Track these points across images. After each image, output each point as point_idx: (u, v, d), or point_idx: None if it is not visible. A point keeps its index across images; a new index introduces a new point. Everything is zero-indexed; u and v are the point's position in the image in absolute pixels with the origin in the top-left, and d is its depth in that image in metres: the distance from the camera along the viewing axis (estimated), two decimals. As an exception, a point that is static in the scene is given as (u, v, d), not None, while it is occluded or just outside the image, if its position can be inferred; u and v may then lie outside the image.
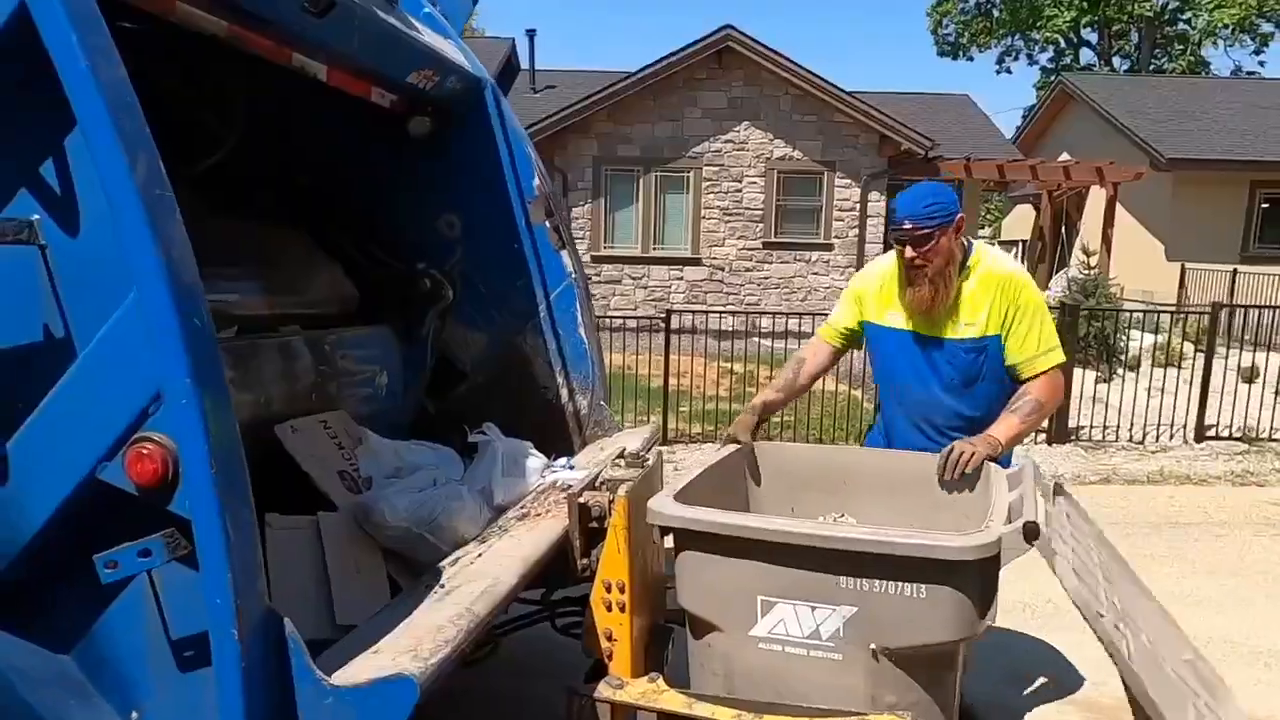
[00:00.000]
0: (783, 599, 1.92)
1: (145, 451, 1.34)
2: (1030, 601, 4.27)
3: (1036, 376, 2.49)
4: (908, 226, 2.44)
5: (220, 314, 2.33)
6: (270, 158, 3.05)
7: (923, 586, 1.80)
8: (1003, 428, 2.44)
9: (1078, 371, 7.96)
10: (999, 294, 2.49)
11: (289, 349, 2.57)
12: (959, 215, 2.47)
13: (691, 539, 2.02)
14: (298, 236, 3.04)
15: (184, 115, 2.76)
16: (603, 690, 1.99)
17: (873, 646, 1.85)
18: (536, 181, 3.10)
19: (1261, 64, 32.91)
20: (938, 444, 2.52)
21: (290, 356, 2.55)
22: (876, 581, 1.83)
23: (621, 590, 2.08)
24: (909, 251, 2.46)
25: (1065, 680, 3.47)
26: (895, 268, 2.60)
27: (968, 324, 2.52)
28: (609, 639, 2.10)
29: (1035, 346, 2.48)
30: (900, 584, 1.81)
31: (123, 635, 1.51)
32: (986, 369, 2.54)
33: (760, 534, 1.93)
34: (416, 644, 1.50)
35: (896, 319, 2.63)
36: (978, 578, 1.80)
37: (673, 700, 1.93)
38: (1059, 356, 2.51)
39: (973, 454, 2.33)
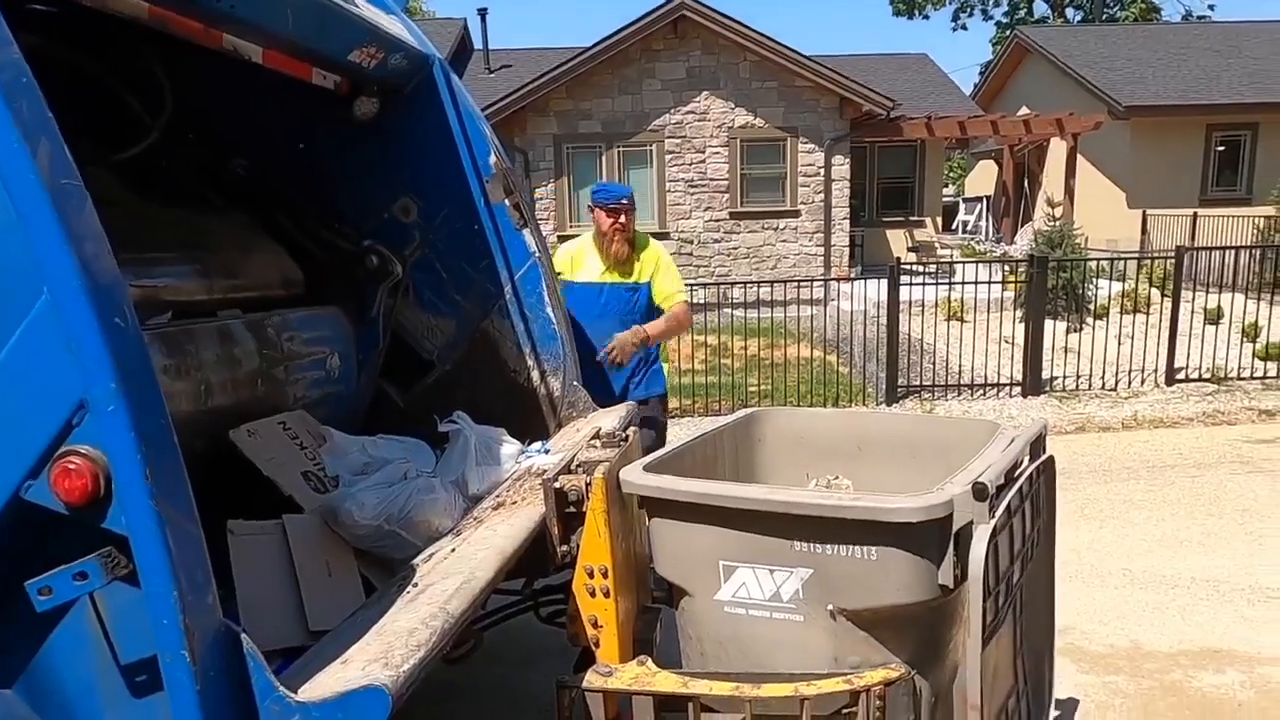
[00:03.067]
0: (742, 563, 1.92)
1: (72, 466, 1.23)
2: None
3: (673, 307, 3.77)
4: (625, 202, 3.68)
5: (152, 299, 2.22)
6: (210, 143, 2.92)
7: (873, 549, 1.78)
8: (650, 327, 3.66)
9: (1048, 323, 8.00)
10: (649, 255, 3.74)
11: (229, 333, 2.44)
12: None
13: (657, 506, 2.03)
14: (239, 220, 2.92)
15: (115, 102, 2.63)
16: (592, 679, 1.92)
17: (830, 608, 1.84)
18: (493, 159, 2.99)
19: (1211, 8, 33.14)
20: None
21: (231, 341, 2.43)
22: (829, 546, 1.82)
23: (604, 575, 2.01)
24: (622, 218, 3.64)
25: (1060, 631, 3.47)
26: (584, 242, 3.82)
27: (635, 274, 3.71)
28: (595, 626, 2.04)
29: (669, 289, 3.75)
30: (851, 547, 1.80)
31: (68, 664, 1.41)
32: (642, 303, 3.73)
33: (714, 499, 1.93)
34: (387, 650, 1.41)
35: (587, 274, 3.72)
36: (930, 539, 1.76)
37: (666, 681, 1.87)
38: (684, 295, 3.81)
39: (624, 345, 3.52)
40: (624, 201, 3.66)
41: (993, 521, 1.74)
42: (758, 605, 1.92)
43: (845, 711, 1.78)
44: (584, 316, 3.66)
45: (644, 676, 1.89)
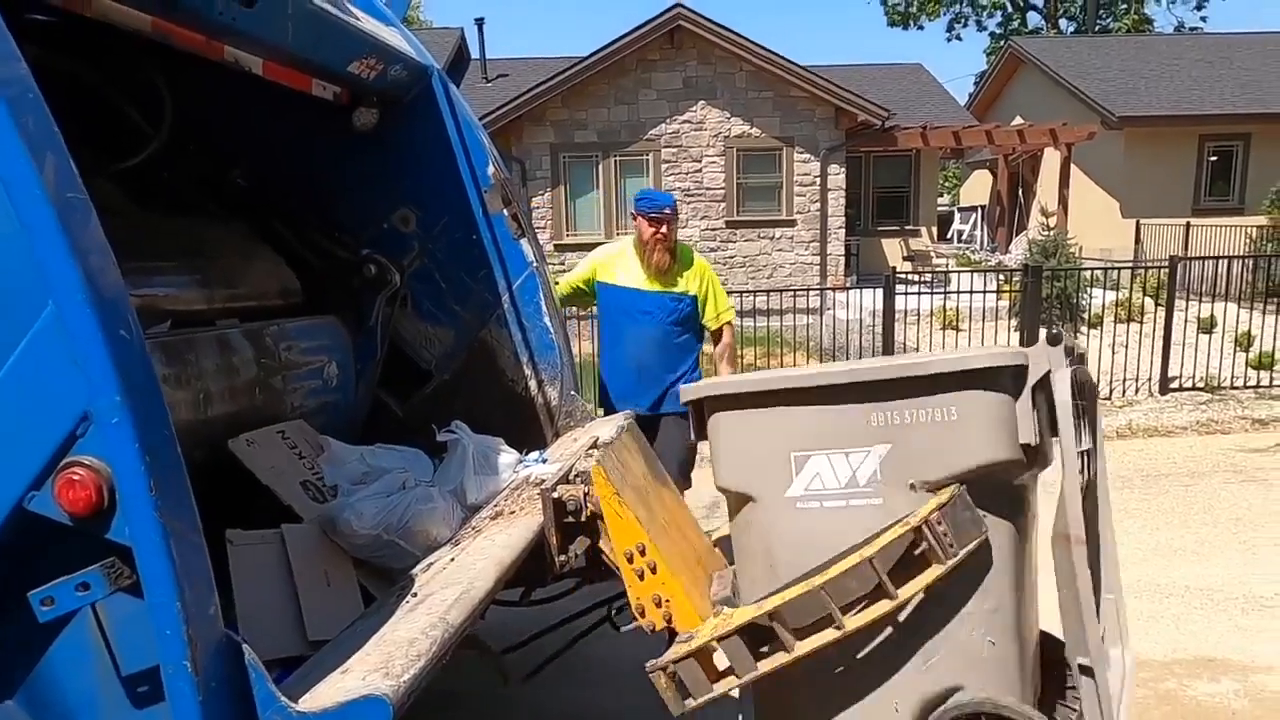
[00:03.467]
0: (816, 450, 1.86)
1: (76, 478, 1.24)
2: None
3: (722, 327, 3.87)
4: (667, 211, 3.63)
5: (151, 308, 2.24)
6: (211, 153, 2.93)
7: (953, 406, 1.75)
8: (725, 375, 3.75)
9: (1042, 333, 8.03)
10: (696, 269, 3.76)
11: (227, 342, 2.46)
12: None
13: (721, 404, 1.95)
14: (238, 230, 2.93)
15: (116, 112, 2.65)
16: (677, 650, 1.83)
17: (911, 482, 1.79)
18: (492, 169, 3.01)
19: (1203, 19, 33.44)
20: (655, 370, 3.67)
21: (229, 350, 2.45)
22: (907, 411, 1.78)
23: (643, 552, 1.95)
24: (664, 228, 3.60)
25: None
26: (625, 246, 3.79)
27: (680, 285, 3.72)
28: (659, 605, 1.94)
29: (720, 307, 3.82)
30: (931, 408, 1.77)
31: (70, 675, 1.41)
32: (684, 314, 3.75)
33: (787, 383, 1.88)
34: (388, 660, 1.42)
35: (628, 279, 3.72)
36: (1009, 388, 1.75)
37: (744, 614, 1.80)
38: (733, 313, 3.94)
39: None
40: (666, 211, 3.64)
41: (1072, 367, 1.73)
42: (833, 495, 1.85)
43: (918, 553, 1.75)
44: (625, 321, 3.74)
45: (723, 623, 1.83)
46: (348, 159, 3.01)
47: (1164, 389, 7.76)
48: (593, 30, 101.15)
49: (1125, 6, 32.64)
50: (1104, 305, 9.66)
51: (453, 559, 2.07)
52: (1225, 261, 9.96)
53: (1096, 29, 30.36)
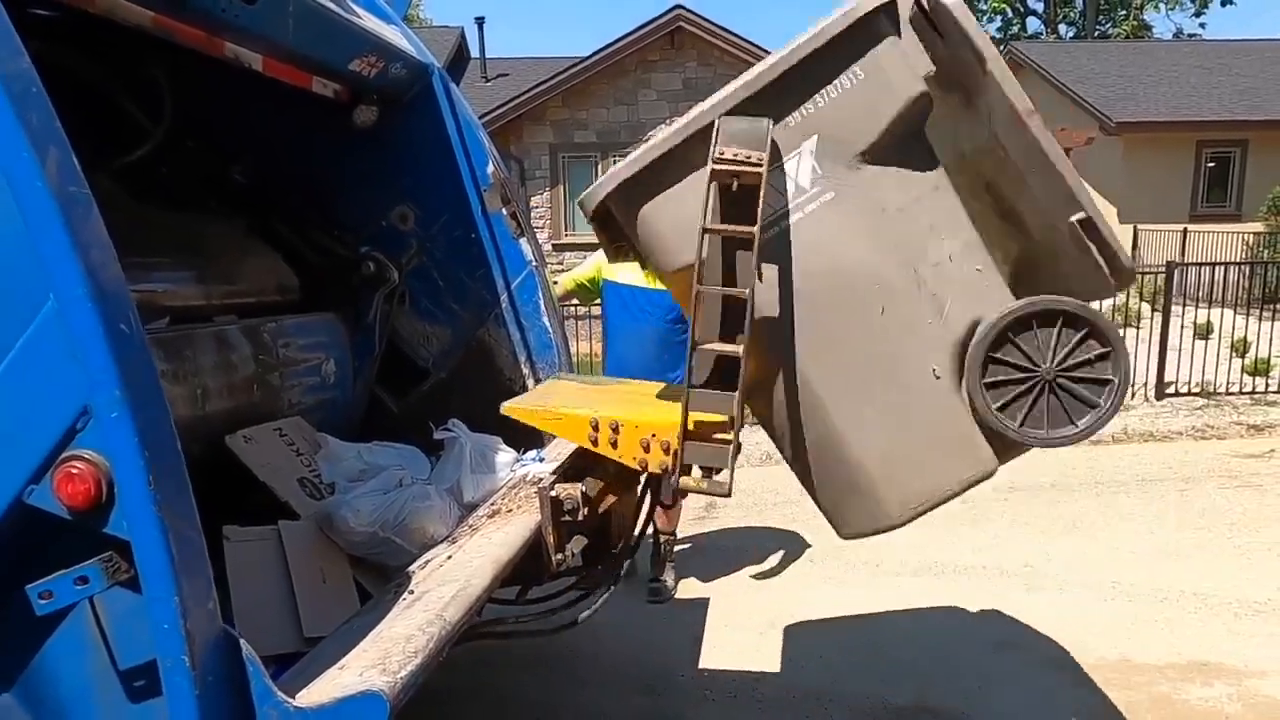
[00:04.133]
0: None
1: (75, 471, 1.24)
2: (1008, 567, 4.31)
3: None
4: None
5: (149, 304, 2.24)
6: (211, 149, 2.94)
7: (856, 69, 1.73)
8: None
9: None
10: None
11: (225, 339, 2.46)
12: None
13: (634, 196, 1.82)
14: (237, 226, 2.94)
15: (116, 107, 2.65)
16: (675, 444, 1.76)
17: (850, 159, 1.75)
18: (491, 168, 3.02)
19: (1202, 26, 33.49)
20: (655, 367, 3.55)
21: (227, 347, 2.46)
22: (818, 97, 1.75)
23: (596, 427, 1.88)
24: None
25: (1050, 643, 3.50)
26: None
27: None
28: (648, 448, 1.86)
29: None
30: (839, 82, 1.74)
31: (67, 669, 1.42)
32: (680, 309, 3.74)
33: (690, 128, 1.77)
34: (384, 656, 1.43)
35: (630, 278, 3.70)
36: (890, 31, 1.74)
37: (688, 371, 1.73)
38: None
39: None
40: None
41: None
42: (787, 212, 1.76)
43: (740, 188, 1.66)
44: (626, 318, 3.80)
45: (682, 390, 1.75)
46: (347, 156, 3.02)
47: (1160, 394, 7.77)
48: (593, 30, 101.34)
49: (1124, 12, 32.71)
50: (1101, 310, 9.68)
51: (449, 557, 2.07)
52: (1222, 267, 9.99)
53: (1096, 35, 30.43)
